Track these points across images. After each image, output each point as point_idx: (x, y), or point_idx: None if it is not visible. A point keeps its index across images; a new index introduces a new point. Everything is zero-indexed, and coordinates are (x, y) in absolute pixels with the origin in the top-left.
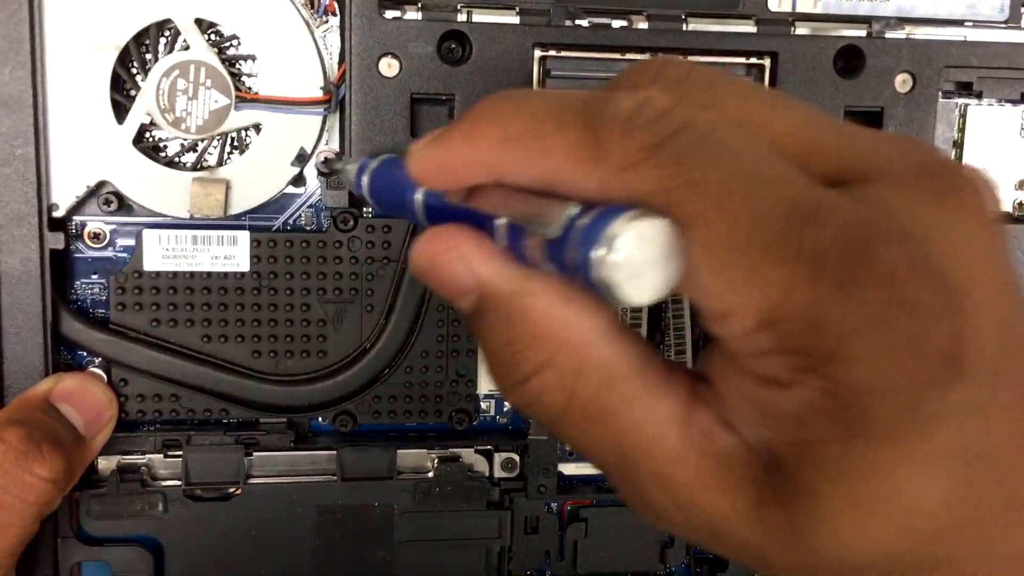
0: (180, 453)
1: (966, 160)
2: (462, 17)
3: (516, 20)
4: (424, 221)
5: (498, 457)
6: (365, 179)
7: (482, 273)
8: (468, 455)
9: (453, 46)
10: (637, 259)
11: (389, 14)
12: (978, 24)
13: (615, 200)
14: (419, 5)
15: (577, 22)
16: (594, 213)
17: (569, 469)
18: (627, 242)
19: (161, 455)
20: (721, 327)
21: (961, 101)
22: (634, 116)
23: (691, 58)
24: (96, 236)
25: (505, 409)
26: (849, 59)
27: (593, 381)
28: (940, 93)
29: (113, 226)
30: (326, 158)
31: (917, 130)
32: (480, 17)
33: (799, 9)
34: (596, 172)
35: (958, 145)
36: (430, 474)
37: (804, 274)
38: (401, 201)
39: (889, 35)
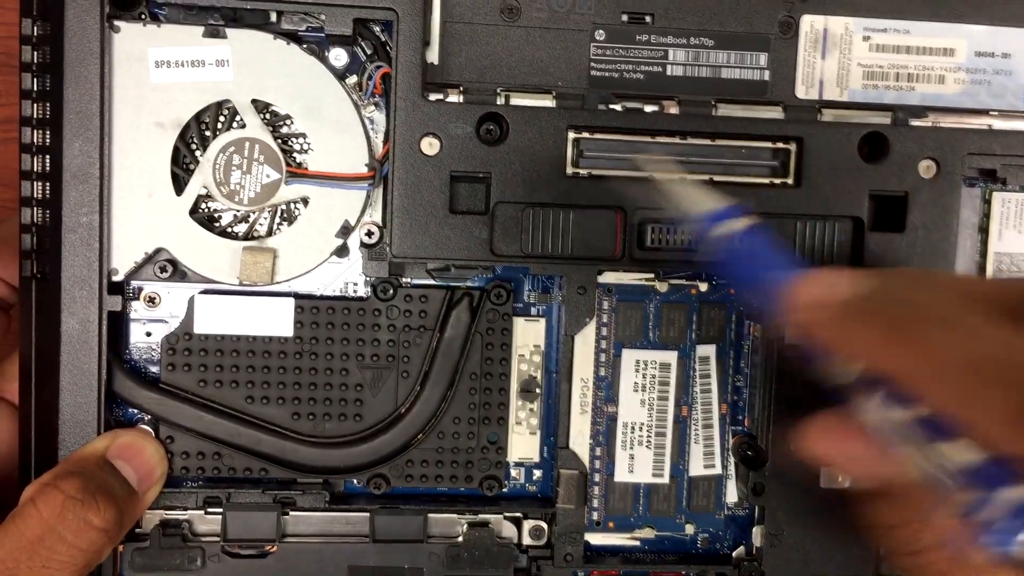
0: (220, 510)
1: (991, 245)
2: (500, 100)
3: (552, 103)
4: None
5: (527, 524)
6: (724, 231)
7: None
8: (497, 521)
9: (491, 127)
10: None
11: (432, 96)
12: (1004, 114)
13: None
14: (461, 89)
15: (610, 106)
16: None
17: (596, 539)
18: None
19: (202, 511)
20: None
21: (986, 187)
22: None
23: (720, 142)
24: (151, 300)
25: (535, 477)
26: (874, 145)
27: None
28: (964, 180)
29: (167, 290)
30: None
31: (941, 215)
32: (517, 100)
33: (826, 96)
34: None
35: (983, 230)
36: (460, 539)
37: None
38: (757, 283)
39: (914, 123)
